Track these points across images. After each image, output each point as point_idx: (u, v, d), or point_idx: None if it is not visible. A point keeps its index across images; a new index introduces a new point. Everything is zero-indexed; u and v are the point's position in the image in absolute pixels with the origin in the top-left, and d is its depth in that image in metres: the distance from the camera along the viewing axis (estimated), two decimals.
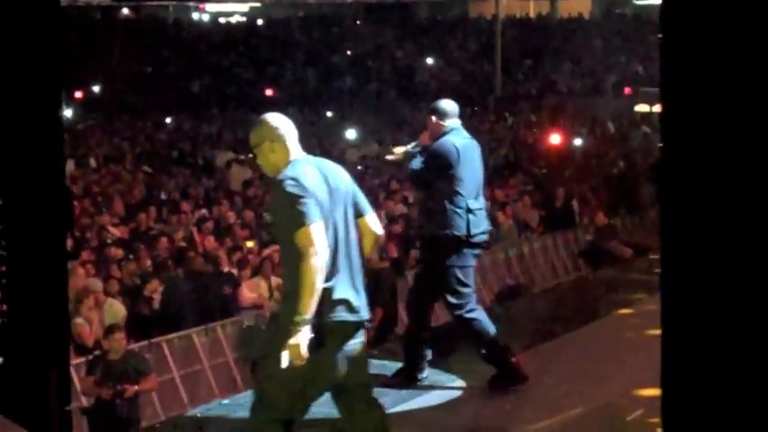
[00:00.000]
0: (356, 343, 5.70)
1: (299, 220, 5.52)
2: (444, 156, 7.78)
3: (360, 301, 5.70)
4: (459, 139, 7.93)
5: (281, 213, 5.70)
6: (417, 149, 8.08)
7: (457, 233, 7.75)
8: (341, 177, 5.86)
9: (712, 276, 2.70)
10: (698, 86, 2.68)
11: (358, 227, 5.81)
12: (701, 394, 2.74)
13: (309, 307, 5.43)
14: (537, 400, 7.98)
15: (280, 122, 5.99)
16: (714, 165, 2.68)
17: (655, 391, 8.01)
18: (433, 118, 7.95)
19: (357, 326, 5.70)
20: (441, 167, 7.82)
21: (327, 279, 5.55)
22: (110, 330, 11.46)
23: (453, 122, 8.00)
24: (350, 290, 5.68)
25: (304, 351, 5.43)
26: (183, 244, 16.29)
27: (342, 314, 5.62)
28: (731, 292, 2.67)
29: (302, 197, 5.56)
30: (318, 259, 5.46)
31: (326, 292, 5.54)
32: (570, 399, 7.90)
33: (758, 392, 2.64)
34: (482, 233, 7.90)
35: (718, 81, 2.66)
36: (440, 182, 7.81)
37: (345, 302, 5.63)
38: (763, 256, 2.64)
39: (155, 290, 13.80)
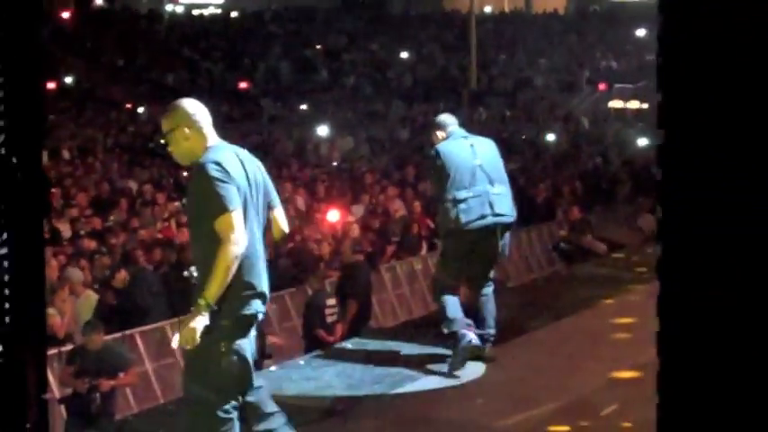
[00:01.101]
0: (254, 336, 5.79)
1: (221, 205, 5.42)
2: (431, 160, 8.52)
3: (268, 293, 5.74)
4: (450, 142, 8.51)
5: (200, 198, 5.54)
6: None
7: (447, 225, 8.34)
8: (257, 166, 5.83)
9: (711, 275, 2.67)
10: (697, 85, 2.65)
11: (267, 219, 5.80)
12: (699, 394, 2.71)
13: (217, 294, 5.41)
14: (511, 394, 7.97)
15: (195, 108, 5.78)
16: (714, 163, 2.65)
17: (629, 386, 8.04)
18: (433, 131, 8.69)
19: (260, 317, 5.76)
20: (430, 170, 8.83)
21: (249, 269, 5.53)
22: (88, 329, 11.31)
23: (451, 130, 8.63)
24: (266, 282, 5.70)
25: (197, 337, 5.41)
26: (157, 236, 16.22)
27: (261, 307, 5.67)
28: (730, 291, 2.65)
29: (225, 182, 5.46)
30: (238, 247, 5.41)
31: (248, 283, 5.54)
32: (545, 393, 7.89)
33: (756, 392, 2.62)
34: (478, 219, 8.25)
35: (718, 77, 2.63)
36: (434, 183, 8.76)
37: (263, 295, 5.65)
38: (761, 254, 2.61)
39: (123, 280, 13.68)
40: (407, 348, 9.02)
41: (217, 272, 5.37)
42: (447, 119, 8.73)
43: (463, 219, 8.22)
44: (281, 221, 5.88)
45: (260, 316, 5.71)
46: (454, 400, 7.87)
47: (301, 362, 9.30)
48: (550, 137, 30.60)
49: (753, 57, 2.59)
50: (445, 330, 8.41)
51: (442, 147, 8.41)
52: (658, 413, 2.73)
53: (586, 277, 12.61)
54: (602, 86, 39.46)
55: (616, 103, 36.91)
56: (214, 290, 5.39)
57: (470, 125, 33.96)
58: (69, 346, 11.77)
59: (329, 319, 12.82)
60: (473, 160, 8.38)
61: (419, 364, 8.64)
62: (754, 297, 2.60)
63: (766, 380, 2.60)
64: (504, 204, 8.45)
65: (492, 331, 8.60)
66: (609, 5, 53.30)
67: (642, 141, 28.04)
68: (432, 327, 9.53)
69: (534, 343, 9.47)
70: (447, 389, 8.13)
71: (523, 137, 29.73)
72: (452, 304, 8.42)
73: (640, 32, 44.81)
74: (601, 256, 15.64)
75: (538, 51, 43.44)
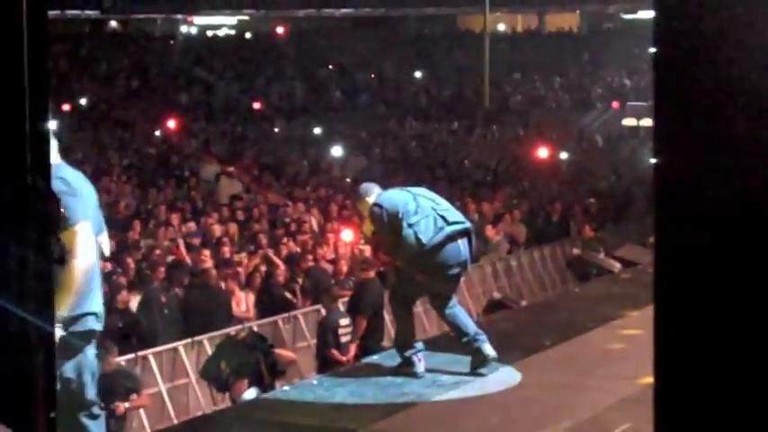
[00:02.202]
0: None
1: (66, 219, 5.53)
2: (374, 216, 8.97)
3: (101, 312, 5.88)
4: (383, 192, 9.11)
5: None
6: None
7: (411, 252, 8.77)
8: (92, 189, 5.98)
9: (707, 282, 2.68)
10: (692, 97, 2.67)
11: None
12: (695, 404, 2.72)
13: (68, 307, 5.48)
14: (524, 413, 7.97)
15: None
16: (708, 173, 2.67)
17: (642, 404, 8.03)
18: (362, 200, 9.17)
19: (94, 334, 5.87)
20: (378, 225, 9.06)
21: (88, 285, 5.63)
22: (101, 351, 11.25)
23: (378, 191, 9.19)
24: (101, 299, 5.87)
25: None
26: (170, 258, 16.24)
27: (95, 324, 5.80)
28: (727, 299, 2.66)
29: (71, 197, 5.59)
30: (83, 261, 5.50)
31: (87, 299, 5.64)
32: (558, 411, 7.89)
33: (753, 400, 2.63)
34: (435, 234, 8.73)
35: (712, 91, 2.65)
36: (383, 233, 9.08)
37: (96, 314, 5.78)
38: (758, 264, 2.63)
39: (126, 301, 13.70)
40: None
41: (66, 287, 5.53)
42: (371, 186, 9.30)
43: (424, 239, 8.65)
44: (104, 246, 6.04)
45: (94, 333, 5.82)
46: (468, 419, 7.87)
47: (314, 381, 9.31)
48: (564, 155, 30.59)
49: (747, 71, 2.60)
50: (401, 352, 8.95)
51: (379, 198, 8.95)
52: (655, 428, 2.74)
53: (599, 295, 12.60)
54: (615, 104, 39.46)
55: (629, 121, 36.89)
56: (65, 303, 5.50)
57: (484, 144, 34.06)
58: None
59: (342, 339, 12.82)
60: (408, 195, 8.95)
61: (432, 383, 8.65)
62: (750, 312, 2.61)
63: (764, 394, 2.61)
64: (454, 214, 9.00)
65: (481, 335, 8.86)
66: (622, 23, 53.32)
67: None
68: (445, 346, 9.55)
69: (547, 361, 9.47)
70: (461, 408, 8.13)
71: (538, 155, 29.69)
72: (409, 326, 9.05)
73: (653, 50, 44.74)
74: (614, 274, 15.61)
75: (551, 70, 43.47)
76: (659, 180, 2.71)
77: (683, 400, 2.72)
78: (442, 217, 8.82)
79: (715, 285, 2.65)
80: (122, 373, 11.29)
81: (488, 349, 8.77)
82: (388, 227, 8.79)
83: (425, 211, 8.78)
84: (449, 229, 8.77)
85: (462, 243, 8.86)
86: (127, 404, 10.99)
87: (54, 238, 3.45)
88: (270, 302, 15.03)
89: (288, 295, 15.25)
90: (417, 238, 8.65)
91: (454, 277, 9.04)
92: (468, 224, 9.11)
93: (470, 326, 8.92)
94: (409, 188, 9.28)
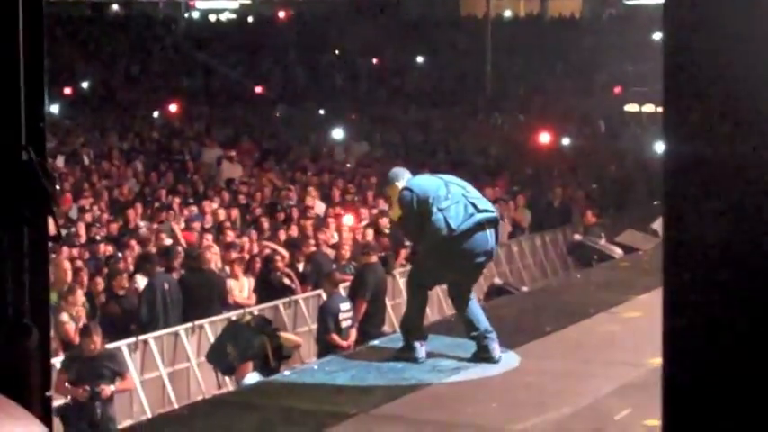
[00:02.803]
0: None
1: None
2: (404, 199, 8.95)
3: None
4: (413, 178, 9.18)
5: None
6: None
7: (439, 235, 8.74)
8: None
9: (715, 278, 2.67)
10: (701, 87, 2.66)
11: None
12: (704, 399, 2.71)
13: None
14: (525, 398, 7.97)
15: None
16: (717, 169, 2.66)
17: (642, 390, 8.02)
18: (392, 184, 9.17)
19: None
20: (405, 208, 9.03)
21: None
22: (85, 334, 11.06)
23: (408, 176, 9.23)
24: None
25: None
26: (170, 242, 16.23)
27: None
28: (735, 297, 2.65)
29: None
30: None
31: None
32: (559, 397, 7.89)
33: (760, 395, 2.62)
34: (465, 220, 8.72)
35: (722, 81, 2.64)
36: (411, 217, 9.01)
37: None
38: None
39: (124, 286, 13.69)
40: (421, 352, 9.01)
41: None
42: (401, 170, 9.35)
43: (453, 224, 8.65)
44: None
45: None
46: (469, 404, 7.87)
47: (315, 366, 9.31)
48: (567, 141, 30.55)
49: (755, 62, 2.59)
50: (407, 335, 8.98)
51: (410, 182, 8.97)
52: (663, 417, 2.73)
53: (601, 281, 12.59)
54: (617, 90, 39.39)
55: (631, 107, 36.83)
56: None
57: (486, 130, 34.02)
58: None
59: (343, 324, 12.81)
60: (439, 181, 9.01)
61: (433, 368, 8.65)
62: (757, 300, 2.59)
63: None
64: (484, 203, 9.02)
65: (491, 333, 8.89)
66: (624, 9, 53.18)
67: (657, 145, 27.96)
68: (447, 331, 9.55)
69: (549, 347, 9.47)
70: (461, 392, 8.13)
71: (540, 140, 29.65)
72: (421, 311, 9.05)
73: (656, 36, 44.69)
74: (615, 260, 15.60)
75: (553, 55, 43.38)
76: (669, 169, 2.69)
77: (691, 391, 2.70)
78: (473, 204, 8.82)
79: (724, 275, 2.64)
80: (108, 356, 11.11)
81: (495, 350, 8.76)
82: (417, 211, 8.77)
83: (456, 198, 8.78)
84: (479, 217, 8.77)
85: (490, 232, 8.86)
86: (113, 387, 10.87)
87: (49, 215, 3.42)
88: (269, 288, 15.01)
89: (286, 281, 15.23)
90: (447, 224, 8.64)
91: (479, 266, 9.05)
92: (496, 213, 9.14)
93: (483, 321, 8.87)
94: (440, 175, 9.33)
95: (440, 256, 8.78)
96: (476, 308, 8.98)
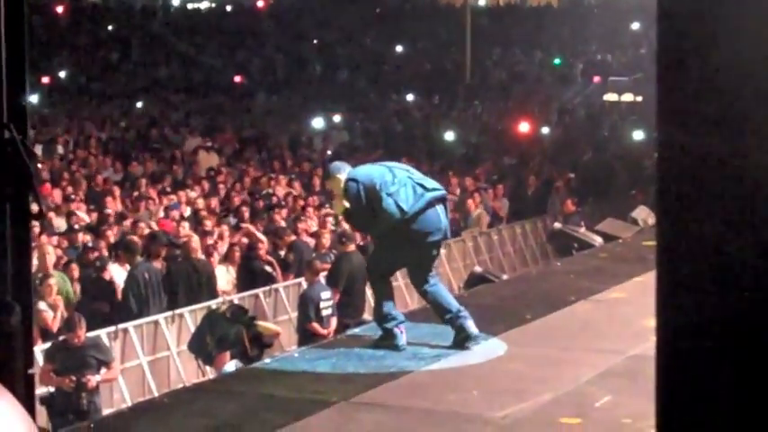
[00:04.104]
0: None
1: None
2: (350, 190, 8.91)
3: None
4: (354, 168, 9.19)
5: None
6: None
7: (392, 220, 8.79)
8: None
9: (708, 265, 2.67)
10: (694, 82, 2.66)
11: None
12: (698, 386, 2.71)
13: None
14: (505, 385, 7.98)
15: None
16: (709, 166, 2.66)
17: (622, 378, 8.05)
18: (334, 176, 9.12)
19: None
20: (352, 198, 8.98)
21: None
22: (71, 324, 11.00)
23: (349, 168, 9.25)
24: None
25: None
26: (150, 230, 16.18)
27: None
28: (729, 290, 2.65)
29: None
30: None
31: None
32: (539, 384, 7.90)
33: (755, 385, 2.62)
34: (416, 201, 8.78)
35: (716, 77, 2.64)
36: (357, 205, 8.97)
37: None
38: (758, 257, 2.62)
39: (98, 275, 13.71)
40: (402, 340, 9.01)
41: None
42: (341, 163, 9.40)
43: (405, 206, 8.69)
44: None
45: None
46: (449, 391, 7.87)
47: (296, 354, 9.30)
48: (546, 129, 30.58)
49: (749, 53, 2.59)
50: (382, 324, 8.93)
51: (353, 173, 8.94)
52: (657, 405, 2.72)
53: (580, 269, 12.61)
54: (596, 79, 39.44)
55: (611, 96, 36.89)
56: None
57: (466, 119, 34.03)
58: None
59: (324, 313, 12.81)
60: (382, 167, 9.03)
61: (414, 355, 8.66)
62: (752, 288, 2.60)
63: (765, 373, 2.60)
64: (431, 182, 9.08)
65: (464, 312, 8.89)
66: None
67: (637, 134, 28.04)
68: (426, 319, 9.55)
69: (529, 334, 9.48)
70: (442, 380, 8.14)
71: (519, 129, 29.67)
72: (389, 298, 9.00)
73: (635, 25, 44.77)
74: (595, 248, 15.63)
75: (532, 44, 43.40)
76: (661, 164, 2.69)
77: (684, 385, 2.70)
78: (420, 185, 8.86)
79: (717, 270, 2.64)
80: (93, 346, 11.04)
81: (471, 327, 8.77)
82: (364, 201, 8.75)
83: (403, 181, 8.79)
84: (429, 195, 8.81)
85: (441, 209, 8.92)
86: (98, 377, 10.83)
87: (31, 193, 3.40)
88: (251, 276, 14.99)
89: (268, 269, 15.21)
90: (398, 206, 8.66)
91: (434, 244, 9.03)
92: (444, 191, 9.21)
93: (453, 303, 8.92)
94: (382, 162, 9.35)
95: (395, 241, 8.81)
96: (443, 291, 9.05)
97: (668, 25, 2.68)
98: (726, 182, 2.63)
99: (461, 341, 8.78)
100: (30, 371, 3.36)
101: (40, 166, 20.36)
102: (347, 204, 8.93)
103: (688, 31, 2.66)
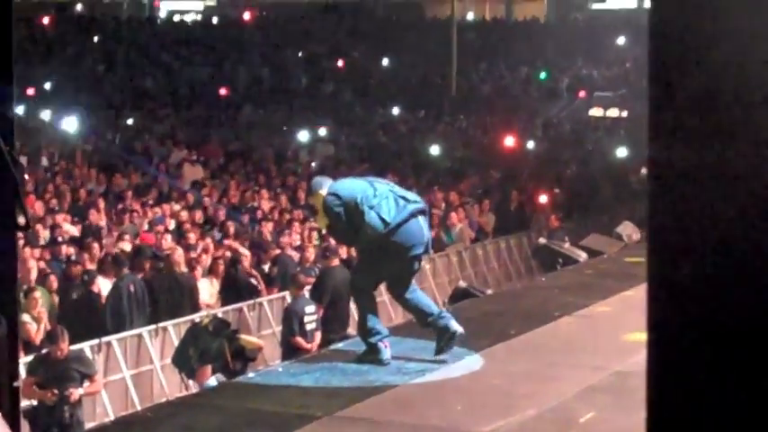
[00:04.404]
0: None
1: None
2: (331, 206, 8.89)
3: None
4: (335, 182, 9.18)
5: None
6: None
7: (375, 233, 8.76)
8: None
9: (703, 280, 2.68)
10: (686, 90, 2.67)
11: None
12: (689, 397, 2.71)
13: None
14: (490, 401, 7.97)
15: None
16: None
17: (606, 393, 8.05)
18: (316, 192, 9.06)
19: None
20: (333, 216, 8.96)
21: None
22: (54, 337, 10.89)
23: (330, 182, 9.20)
24: None
25: None
26: (134, 243, 16.16)
27: None
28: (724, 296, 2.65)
29: None
30: None
31: None
32: (523, 400, 7.89)
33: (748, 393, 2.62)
34: (398, 213, 8.78)
35: (708, 85, 2.65)
36: (338, 222, 8.97)
37: None
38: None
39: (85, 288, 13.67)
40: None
41: None
42: (323, 179, 9.33)
43: (387, 218, 8.69)
44: None
45: None
46: (434, 406, 7.86)
47: (280, 368, 9.28)
48: (531, 144, 30.63)
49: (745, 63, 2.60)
50: (366, 339, 8.89)
51: (333, 187, 8.92)
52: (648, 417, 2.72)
53: (565, 285, 12.62)
54: (582, 94, 39.55)
55: (596, 111, 36.99)
56: None
57: (451, 133, 34.05)
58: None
59: (308, 327, 12.79)
60: (363, 181, 9.06)
61: (398, 370, 8.64)
62: (745, 297, 2.60)
63: (760, 381, 2.60)
64: (412, 195, 9.16)
65: (446, 313, 8.97)
66: (589, 13, 53.43)
67: (621, 149, 28.11)
68: (411, 334, 9.54)
69: (513, 350, 9.48)
70: (426, 395, 8.13)
71: (504, 143, 29.72)
72: (373, 313, 8.96)
73: (620, 40, 44.94)
74: (579, 264, 15.65)
75: (518, 59, 43.51)
76: (653, 175, 2.70)
77: (675, 389, 2.70)
78: (402, 197, 8.88)
79: (709, 281, 2.64)
80: (76, 359, 10.98)
81: (455, 325, 8.78)
82: (345, 215, 8.75)
83: (384, 194, 8.81)
84: (411, 207, 8.83)
85: (423, 221, 8.93)
86: (81, 390, 10.76)
87: (17, 204, 3.38)
88: (235, 289, 14.97)
89: (253, 281, 15.21)
90: (381, 219, 8.66)
91: (417, 257, 9.01)
92: (424, 204, 9.20)
93: (433, 306, 8.98)
94: (363, 177, 9.39)
95: (378, 254, 8.80)
96: (421, 296, 9.06)
97: (658, 43, 2.68)
98: (718, 193, 2.64)
99: (446, 342, 8.75)
100: (15, 383, 3.34)
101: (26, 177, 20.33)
102: (328, 220, 8.94)
103: (678, 48, 2.67)
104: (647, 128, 2.69)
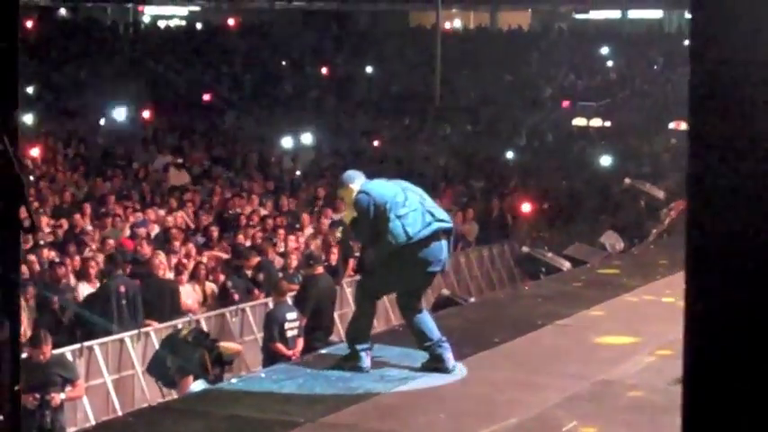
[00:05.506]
0: None
1: None
2: (361, 202, 8.83)
3: None
4: (369, 182, 9.04)
5: None
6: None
7: (397, 242, 8.67)
8: None
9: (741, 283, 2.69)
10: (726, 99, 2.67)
11: None
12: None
13: None
14: (472, 409, 7.97)
15: None
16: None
17: (589, 402, 8.05)
18: (346, 186, 9.01)
19: None
20: (361, 212, 8.89)
21: None
22: (36, 340, 10.78)
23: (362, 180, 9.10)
24: None
25: None
26: (116, 248, 16.11)
27: None
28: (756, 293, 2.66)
29: None
30: None
31: None
32: (506, 408, 7.89)
33: None
34: (423, 228, 8.67)
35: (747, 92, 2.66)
36: (366, 221, 8.87)
37: None
38: None
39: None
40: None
41: None
42: (355, 173, 9.23)
43: (411, 231, 8.58)
44: None
45: None
46: (417, 414, 7.85)
47: (262, 375, 9.26)
48: (514, 154, 30.68)
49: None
50: (353, 344, 8.86)
51: (366, 186, 8.83)
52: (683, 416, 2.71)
53: (548, 294, 12.62)
54: (565, 104, 39.60)
55: (579, 121, 37.05)
56: None
57: (435, 141, 34.07)
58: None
59: (289, 334, 12.77)
60: (397, 187, 8.90)
61: (381, 377, 8.63)
62: None
63: None
64: (440, 212, 8.96)
65: (445, 343, 8.84)
66: (573, 23, 53.55)
67: (605, 159, 28.17)
68: (394, 341, 9.53)
69: (496, 358, 9.47)
70: (409, 402, 8.12)
71: (488, 153, 29.80)
72: (369, 320, 8.94)
73: (604, 50, 45.04)
74: (563, 273, 15.65)
75: (502, 67, 43.54)
76: (693, 189, 2.70)
77: (712, 384, 2.70)
78: (430, 213, 8.77)
79: (747, 292, 2.64)
80: (58, 363, 10.92)
81: (449, 360, 8.72)
82: (372, 216, 8.67)
83: (413, 205, 8.71)
84: (436, 226, 8.73)
85: (445, 242, 8.83)
86: (63, 395, 10.70)
87: (22, 205, 3.36)
88: (228, 292, 14.99)
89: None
90: (405, 231, 8.57)
91: (431, 275, 8.97)
92: (451, 224, 9.07)
93: (435, 331, 8.82)
94: (397, 180, 9.19)
95: (393, 264, 8.69)
96: (427, 318, 8.93)
97: (699, 59, 2.69)
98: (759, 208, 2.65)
99: (435, 370, 8.73)
100: (16, 387, 3.31)
101: None
102: (355, 214, 8.87)
103: (719, 65, 2.67)
104: (687, 144, 2.70)
